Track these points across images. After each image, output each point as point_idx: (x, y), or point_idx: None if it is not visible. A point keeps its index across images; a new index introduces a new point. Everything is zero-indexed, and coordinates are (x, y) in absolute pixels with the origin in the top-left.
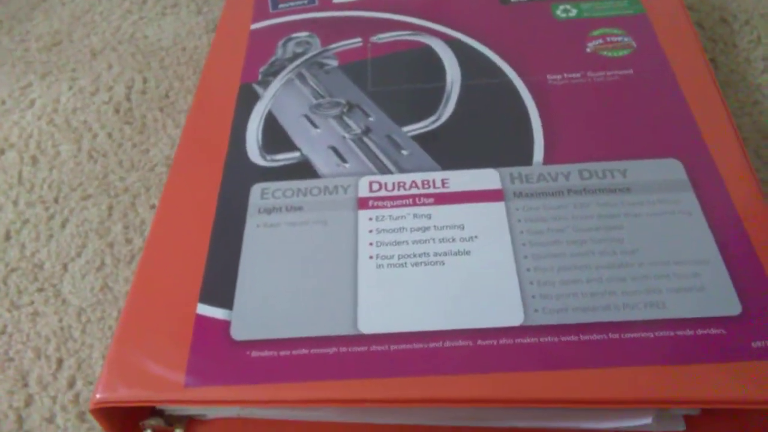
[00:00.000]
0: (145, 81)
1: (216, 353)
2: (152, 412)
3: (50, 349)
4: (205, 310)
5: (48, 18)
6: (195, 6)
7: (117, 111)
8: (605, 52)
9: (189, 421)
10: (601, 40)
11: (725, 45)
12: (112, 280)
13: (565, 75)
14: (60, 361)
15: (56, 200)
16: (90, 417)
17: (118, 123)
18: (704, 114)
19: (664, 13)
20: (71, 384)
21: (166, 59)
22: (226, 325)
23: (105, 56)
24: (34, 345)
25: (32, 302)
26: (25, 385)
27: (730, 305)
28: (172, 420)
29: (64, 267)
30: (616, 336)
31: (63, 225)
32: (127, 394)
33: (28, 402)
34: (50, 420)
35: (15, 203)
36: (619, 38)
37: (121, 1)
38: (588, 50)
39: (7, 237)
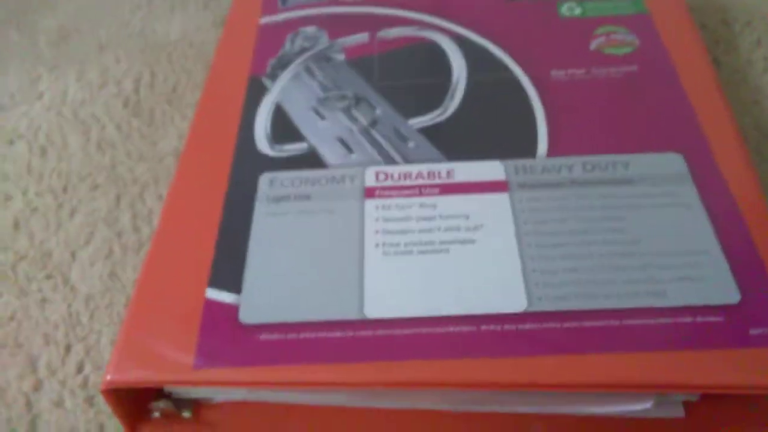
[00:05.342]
0: (153, 75)
1: (225, 336)
2: (161, 394)
3: (59, 335)
4: (214, 294)
5: (55, 12)
6: (202, 1)
7: (125, 104)
8: (609, 50)
9: (196, 404)
10: (604, 38)
11: (727, 46)
12: (120, 268)
13: (569, 71)
14: (68, 347)
15: (65, 190)
16: (98, 401)
17: (126, 116)
18: (706, 110)
19: (667, 13)
20: (80, 369)
21: (173, 54)
22: (234, 309)
23: (113, 50)
24: (44, 331)
25: (41, 289)
26: (34, 370)
27: (728, 294)
28: (180, 404)
29: (73, 255)
30: (617, 323)
31: (72, 214)
32: (137, 376)
33: (37, 386)
34: (59, 404)
35: (24, 193)
36: (623, 36)
37: None
38: (592, 48)
39: (16, 226)
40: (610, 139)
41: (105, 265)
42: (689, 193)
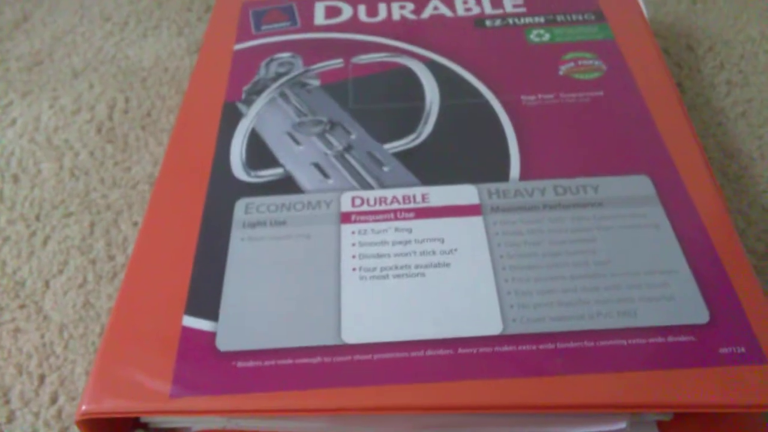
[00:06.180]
0: (127, 100)
1: (201, 364)
2: (137, 424)
3: (32, 365)
4: (190, 322)
5: (29, 38)
6: (176, 28)
7: (99, 130)
8: (577, 75)
9: None
10: (572, 64)
11: (690, 70)
12: (94, 296)
13: (539, 96)
14: (42, 377)
15: (38, 218)
16: None
17: (100, 142)
18: (671, 133)
19: (632, 39)
20: (54, 400)
21: (148, 79)
22: (211, 336)
23: (86, 76)
24: (16, 361)
25: (14, 319)
26: (7, 401)
27: (698, 314)
28: None
29: (46, 284)
30: (591, 344)
31: (45, 242)
32: (113, 405)
33: (10, 418)
34: None
35: None
36: (590, 62)
37: (103, 22)
38: (561, 73)
39: None
40: (580, 163)
41: (79, 294)
42: (657, 213)
